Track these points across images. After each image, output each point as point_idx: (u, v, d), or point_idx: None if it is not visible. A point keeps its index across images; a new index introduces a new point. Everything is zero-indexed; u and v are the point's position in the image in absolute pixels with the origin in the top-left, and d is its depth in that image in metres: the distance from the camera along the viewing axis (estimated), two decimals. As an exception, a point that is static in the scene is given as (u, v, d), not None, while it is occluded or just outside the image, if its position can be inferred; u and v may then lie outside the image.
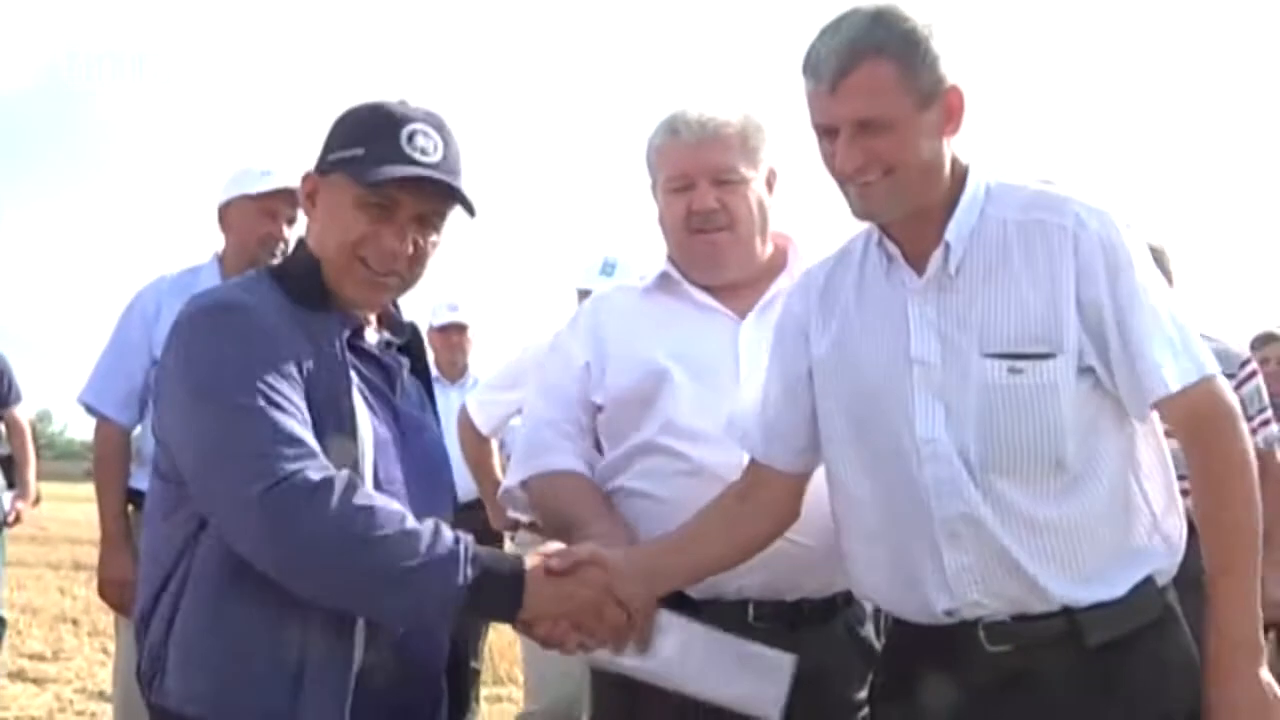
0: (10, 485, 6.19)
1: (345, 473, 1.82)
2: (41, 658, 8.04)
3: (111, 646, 8.20)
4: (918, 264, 2.11)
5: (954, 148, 2.07)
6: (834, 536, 2.39)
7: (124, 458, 3.88)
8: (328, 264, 2.03)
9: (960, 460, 2.04)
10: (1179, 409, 2.01)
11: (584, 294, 4.27)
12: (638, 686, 2.25)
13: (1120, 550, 2.06)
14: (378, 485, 1.94)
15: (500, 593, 1.86)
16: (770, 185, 2.61)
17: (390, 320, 2.17)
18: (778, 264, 2.64)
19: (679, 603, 2.39)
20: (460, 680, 2.20)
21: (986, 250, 2.07)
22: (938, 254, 2.08)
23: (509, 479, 2.66)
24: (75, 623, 9.36)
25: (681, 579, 2.30)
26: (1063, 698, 2.00)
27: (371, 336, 2.09)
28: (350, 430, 1.91)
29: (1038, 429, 2.01)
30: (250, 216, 3.87)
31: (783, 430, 2.27)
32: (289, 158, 3.95)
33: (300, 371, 1.90)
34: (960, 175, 2.10)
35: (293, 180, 3.79)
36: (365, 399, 1.99)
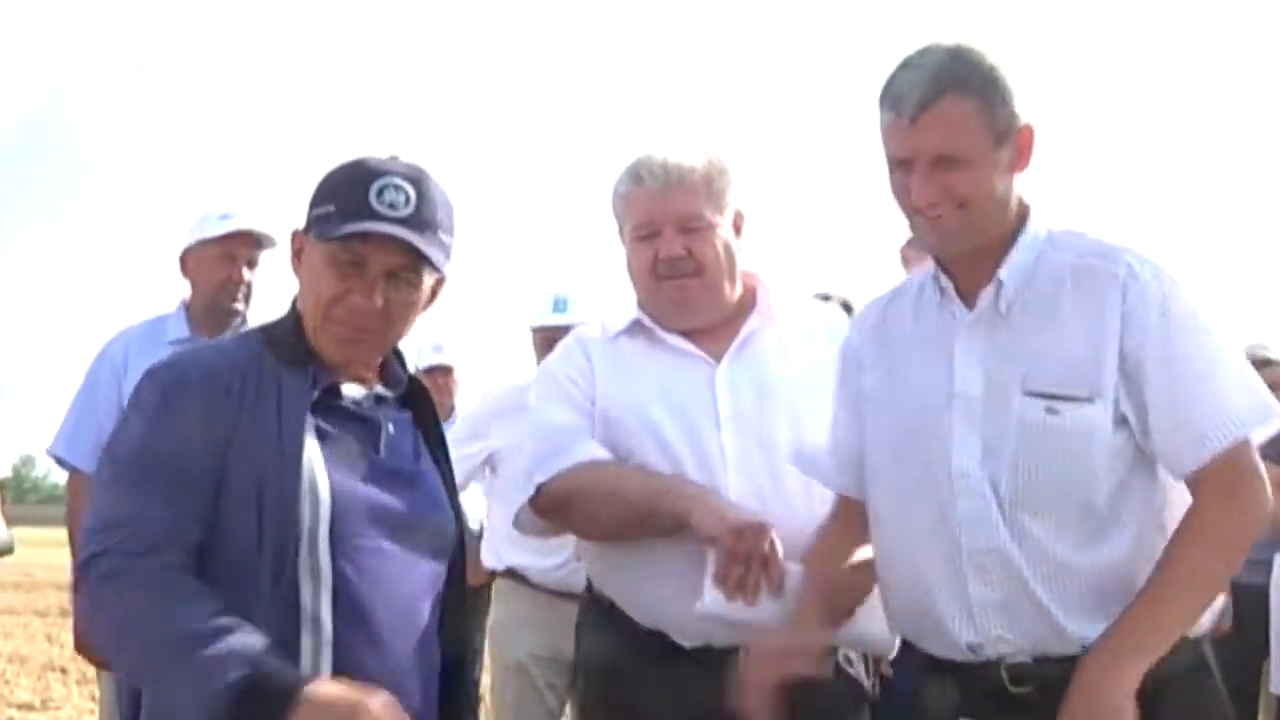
0: None
1: (157, 561, 1.82)
2: (30, 707, 7.98)
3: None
4: (970, 299, 2.13)
5: (1018, 187, 2.10)
6: None
7: None
8: (308, 322, 2.03)
9: (992, 495, 2.06)
10: (1216, 464, 1.98)
11: (538, 332, 4.23)
12: None
13: None
14: (342, 544, 1.92)
15: (266, 704, 1.73)
16: (737, 228, 2.61)
17: (389, 372, 2.14)
18: (748, 304, 2.63)
19: (670, 653, 2.43)
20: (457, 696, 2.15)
21: (1039, 291, 2.08)
22: (989, 290, 2.10)
23: (522, 492, 2.59)
24: (64, 671, 9.27)
25: (833, 625, 2.35)
26: None
27: (355, 391, 2.06)
28: (292, 493, 1.89)
29: (1070, 471, 2.02)
30: (209, 261, 3.81)
31: (850, 459, 2.29)
32: (251, 200, 3.92)
33: (227, 442, 1.90)
34: (1022, 214, 2.12)
35: (252, 222, 3.79)
36: (333, 458, 1.96)
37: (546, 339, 4.13)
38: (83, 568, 1.84)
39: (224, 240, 3.80)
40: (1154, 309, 2.00)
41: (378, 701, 1.73)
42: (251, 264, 3.84)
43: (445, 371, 5.77)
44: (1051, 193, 2.18)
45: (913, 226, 2.12)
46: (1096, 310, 2.03)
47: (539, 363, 4.17)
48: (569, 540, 2.89)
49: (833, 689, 2.38)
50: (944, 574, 2.11)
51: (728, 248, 2.57)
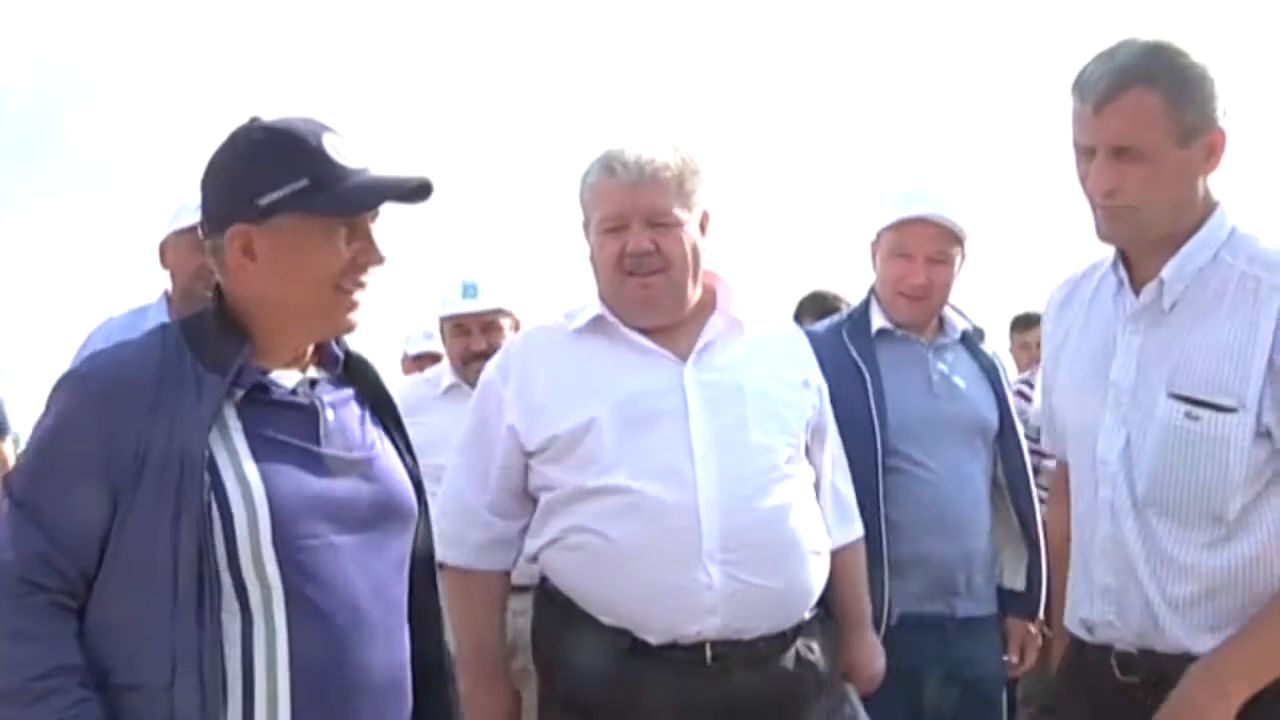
0: None
1: (23, 599, 1.77)
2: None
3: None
4: (1140, 291, 2.15)
5: (1208, 185, 2.09)
6: (792, 576, 2.49)
7: None
8: (300, 309, 1.93)
9: (1125, 486, 2.11)
10: None
11: (447, 320, 4.09)
12: None
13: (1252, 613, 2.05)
14: (288, 549, 1.85)
15: None
16: (703, 227, 2.63)
17: (323, 352, 2.04)
18: (708, 303, 2.65)
19: (634, 649, 2.45)
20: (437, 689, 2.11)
21: (1205, 293, 2.07)
22: (1153, 286, 2.11)
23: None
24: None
25: None
26: None
27: (289, 380, 1.96)
28: (208, 500, 1.80)
29: (1203, 478, 2.04)
30: (184, 251, 3.80)
31: (1051, 428, 2.42)
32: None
33: (137, 453, 1.82)
34: (1205, 213, 2.10)
35: None
36: (269, 459, 1.87)
37: (457, 326, 4.06)
38: None
39: (197, 229, 3.80)
40: None
41: None
42: None
43: (435, 359, 5.79)
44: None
45: (1092, 215, 2.13)
46: (1251, 320, 2.02)
47: (449, 352, 4.12)
48: None
49: None
50: (1082, 553, 2.22)
51: (694, 247, 2.58)
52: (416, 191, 1.95)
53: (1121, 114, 2.01)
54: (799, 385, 2.65)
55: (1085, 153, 2.08)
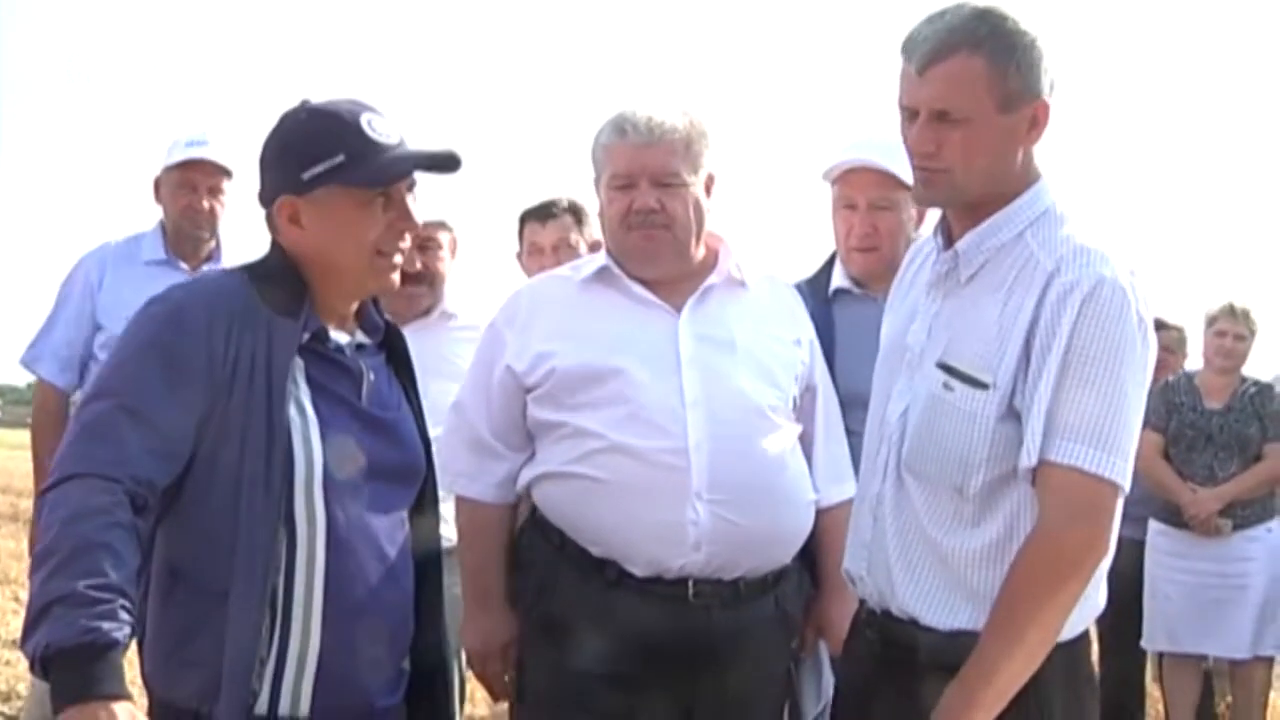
0: None
1: (99, 502, 1.83)
2: (-49, 606, 8.03)
3: (24, 595, 8.23)
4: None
5: (1031, 158, 2.11)
6: (775, 520, 2.64)
7: (60, 419, 3.97)
8: (345, 271, 2.12)
9: (897, 449, 2.18)
10: (1039, 482, 2.01)
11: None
12: None
13: (986, 599, 2.06)
14: (333, 490, 2.06)
15: (63, 686, 1.72)
16: (708, 189, 2.78)
17: (365, 319, 2.24)
18: (709, 263, 2.81)
19: (619, 580, 2.60)
20: (439, 686, 2.32)
21: (1000, 270, 2.09)
22: (948, 256, 2.16)
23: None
24: (-14, 571, 9.31)
25: None
26: (887, 711, 2.13)
27: (342, 338, 2.16)
28: (283, 442, 2.01)
29: (948, 449, 2.09)
30: (172, 188, 3.96)
31: None
32: (219, 127, 4.04)
33: (219, 384, 1.99)
34: (1022, 187, 2.11)
35: (209, 152, 3.89)
36: (318, 407, 2.07)
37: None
38: (44, 491, 1.90)
39: (184, 168, 3.93)
40: (1058, 309, 2.00)
41: None
42: (214, 192, 3.95)
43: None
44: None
45: (914, 177, 2.15)
46: (1019, 300, 2.04)
47: None
48: None
49: None
50: (857, 507, 2.31)
51: (698, 206, 2.74)
52: (444, 163, 2.15)
53: (943, 77, 2.02)
54: (790, 343, 2.81)
55: (909, 114, 2.09)
